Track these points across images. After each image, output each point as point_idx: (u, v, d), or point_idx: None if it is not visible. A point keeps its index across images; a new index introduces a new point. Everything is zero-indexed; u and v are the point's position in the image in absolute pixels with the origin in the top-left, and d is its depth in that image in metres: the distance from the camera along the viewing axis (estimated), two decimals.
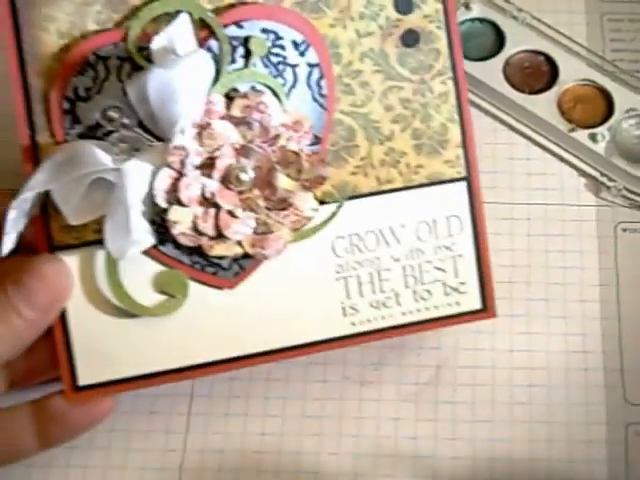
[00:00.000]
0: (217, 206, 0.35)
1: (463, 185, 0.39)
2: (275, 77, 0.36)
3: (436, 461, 0.42)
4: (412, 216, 0.38)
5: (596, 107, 0.50)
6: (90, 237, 0.36)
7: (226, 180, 0.34)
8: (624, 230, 0.47)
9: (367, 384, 0.44)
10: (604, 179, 0.48)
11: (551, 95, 0.50)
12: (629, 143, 0.49)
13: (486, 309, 0.40)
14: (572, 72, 0.50)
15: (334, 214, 0.37)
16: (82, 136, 0.35)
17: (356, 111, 0.37)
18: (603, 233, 0.47)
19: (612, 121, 0.49)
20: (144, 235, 0.35)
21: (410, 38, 0.38)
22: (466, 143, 0.38)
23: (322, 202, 0.37)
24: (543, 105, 0.49)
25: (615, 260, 0.47)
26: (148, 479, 0.42)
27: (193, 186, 0.34)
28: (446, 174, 0.38)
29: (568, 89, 0.50)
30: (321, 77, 0.37)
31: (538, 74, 0.51)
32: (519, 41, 0.51)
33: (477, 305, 0.39)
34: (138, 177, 0.34)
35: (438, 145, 0.38)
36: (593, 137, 0.49)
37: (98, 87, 0.35)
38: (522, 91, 0.50)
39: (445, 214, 0.39)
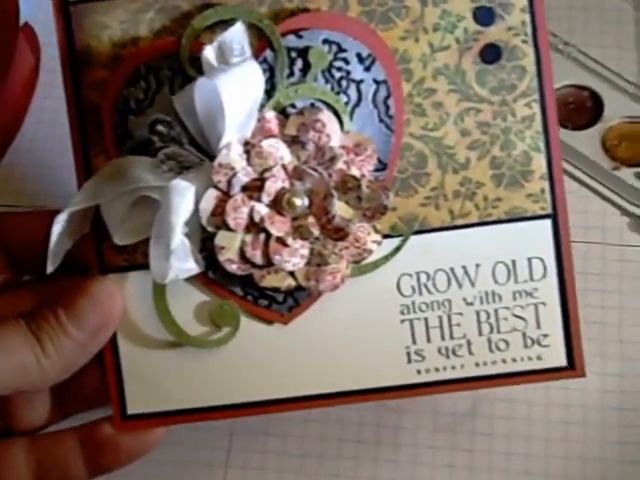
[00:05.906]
0: (267, 232, 0.32)
1: (547, 223, 0.35)
2: (337, 94, 0.33)
3: None
4: (488, 255, 0.35)
5: None
6: (140, 260, 0.34)
7: (277, 204, 0.32)
8: None
9: (403, 412, 0.46)
10: None
11: (595, 132, 0.50)
12: None
13: (573, 367, 0.36)
14: (618, 109, 0.50)
15: (398, 248, 0.34)
16: (134, 151, 0.33)
17: (428, 135, 0.34)
18: None
19: None
20: (188, 259, 0.33)
21: (491, 54, 0.34)
22: (553, 175, 0.34)
23: (387, 235, 0.34)
24: (586, 141, 0.49)
25: None
26: None
27: (241, 209, 0.32)
28: (528, 210, 0.35)
29: (613, 126, 0.50)
30: (388, 95, 0.34)
31: (582, 110, 0.51)
32: (564, 75, 0.51)
33: (562, 362, 0.36)
34: (184, 197, 0.32)
35: (520, 176, 0.34)
36: (639, 176, 0.49)
37: (150, 100, 0.33)
38: (565, 127, 0.49)
39: (526, 255, 0.35)
